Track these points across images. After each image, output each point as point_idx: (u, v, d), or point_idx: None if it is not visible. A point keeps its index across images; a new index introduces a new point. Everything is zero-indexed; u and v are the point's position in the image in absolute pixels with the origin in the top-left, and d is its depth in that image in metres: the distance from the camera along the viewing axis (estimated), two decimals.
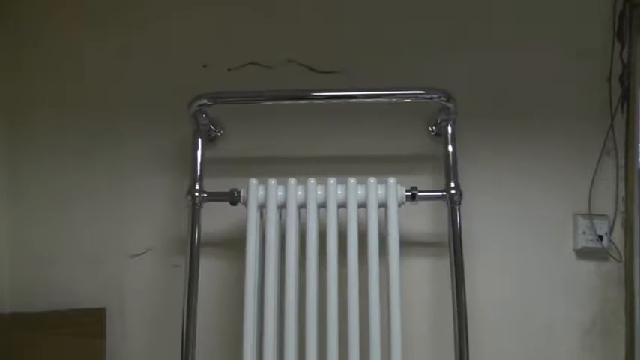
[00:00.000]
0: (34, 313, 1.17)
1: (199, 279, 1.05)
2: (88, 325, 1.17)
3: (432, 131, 1.17)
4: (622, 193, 1.15)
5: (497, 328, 1.16)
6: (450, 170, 1.05)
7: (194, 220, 1.05)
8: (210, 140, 1.19)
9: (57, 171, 1.22)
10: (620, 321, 1.15)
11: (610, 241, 1.14)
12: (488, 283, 1.16)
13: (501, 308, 1.16)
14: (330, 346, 0.96)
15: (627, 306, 1.14)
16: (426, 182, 1.15)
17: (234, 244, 1.15)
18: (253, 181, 1.03)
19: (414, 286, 1.15)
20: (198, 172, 1.07)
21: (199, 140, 1.10)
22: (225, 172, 1.17)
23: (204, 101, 1.06)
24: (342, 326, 0.97)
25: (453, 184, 1.04)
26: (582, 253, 1.15)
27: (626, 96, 1.16)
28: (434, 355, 1.15)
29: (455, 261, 1.02)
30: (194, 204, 1.05)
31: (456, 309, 1.00)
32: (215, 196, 1.07)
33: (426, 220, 1.17)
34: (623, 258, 1.14)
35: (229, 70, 1.21)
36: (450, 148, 1.07)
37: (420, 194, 1.04)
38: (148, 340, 1.20)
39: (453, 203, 1.04)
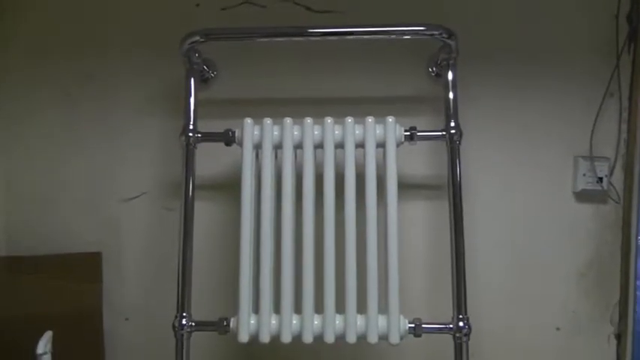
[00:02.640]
0: (29, 257, 1.16)
1: (194, 222, 1.05)
2: (84, 270, 1.17)
3: (432, 72, 1.14)
4: (624, 135, 1.14)
5: (493, 270, 1.16)
6: (450, 109, 1.03)
7: (188, 161, 1.03)
8: (203, 81, 1.16)
9: (46, 115, 1.20)
10: (616, 264, 1.16)
11: (610, 183, 1.13)
12: (485, 225, 1.15)
13: (498, 250, 1.16)
14: (327, 288, 0.96)
15: (623, 249, 1.14)
16: (425, 124, 1.12)
17: (229, 187, 1.14)
18: (248, 121, 1.01)
19: (411, 229, 1.14)
20: (192, 112, 1.05)
21: (192, 80, 1.07)
22: (219, 114, 1.15)
23: (197, 38, 1.03)
24: (339, 268, 0.97)
25: (453, 124, 1.02)
26: (581, 196, 1.15)
27: (634, 35, 1.13)
28: (431, 298, 1.15)
29: (453, 202, 1.00)
30: (188, 144, 1.03)
31: (453, 251, 1.00)
32: (209, 137, 1.05)
33: (424, 162, 1.16)
34: (621, 200, 1.14)
35: (223, 9, 1.17)
36: (451, 86, 1.04)
37: (419, 134, 1.02)
38: (144, 284, 1.21)
39: (453, 143, 1.02)
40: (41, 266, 1.16)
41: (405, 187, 1.11)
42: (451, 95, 1.04)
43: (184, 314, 0.99)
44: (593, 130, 1.13)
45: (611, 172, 1.13)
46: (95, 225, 1.20)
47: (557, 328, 1.17)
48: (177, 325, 0.99)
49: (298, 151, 1.02)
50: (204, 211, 1.15)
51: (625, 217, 1.14)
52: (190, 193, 1.03)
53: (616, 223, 1.15)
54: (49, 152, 1.20)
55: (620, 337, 1.17)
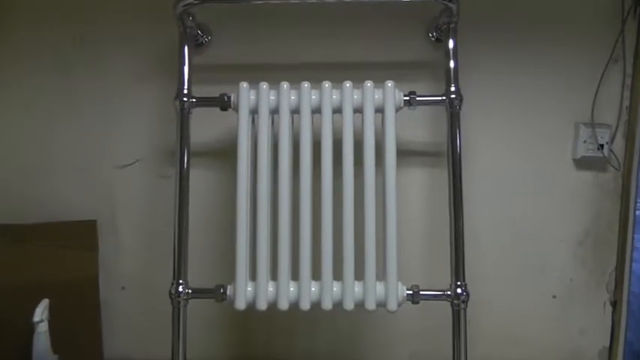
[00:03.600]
0: (24, 225, 1.15)
1: (190, 189, 1.03)
2: (79, 238, 1.16)
3: (432, 37, 1.12)
4: (627, 102, 1.12)
5: (491, 238, 1.16)
6: (450, 74, 1.00)
7: (183, 126, 1.01)
8: (197, 46, 1.13)
9: (38, 81, 1.17)
10: (613, 232, 1.16)
11: (610, 150, 1.12)
12: (484, 192, 1.15)
13: (496, 218, 1.16)
14: (325, 255, 0.95)
15: (622, 217, 1.14)
16: (425, 91, 1.10)
17: (225, 154, 1.13)
18: (244, 85, 0.98)
19: (410, 196, 1.14)
20: (186, 76, 1.02)
21: (186, 44, 1.04)
22: (214, 79, 1.12)
23: (191, 1, 0.99)
24: (336, 235, 0.96)
25: (453, 88, 1.00)
26: (581, 163, 1.14)
27: None
28: (429, 265, 1.16)
29: (453, 168, 0.99)
30: (182, 109, 1.01)
31: (452, 218, 0.99)
32: (204, 101, 1.02)
33: (423, 129, 1.14)
34: (621, 168, 1.13)
35: None
36: (451, 51, 1.01)
37: (418, 99, 0.99)
38: (140, 251, 1.20)
39: (453, 108, 1.00)
40: (35, 234, 1.14)
41: (404, 153, 1.10)
42: (451, 60, 1.01)
43: (181, 281, 0.99)
44: (595, 97, 1.11)
45: (612, 139, 1.12)
46: (89, 193, 1.19)
47: (554, 296, 1.18)
48: (173, 292, 0.98)
49: (295, 116, 1.00)
50: (201, 178, 1.13)
51: (624, 184, 1.13)
52: (185, 159, 1.01)
53: (615, 191, 1.15)
54: (41, 119, 1.18)
55: (615, 304, 1.18)
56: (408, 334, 1.20)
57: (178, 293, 0.98)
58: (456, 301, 0.97)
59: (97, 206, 1.19)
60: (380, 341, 1.21)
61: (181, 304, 0.98)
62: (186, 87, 1.02)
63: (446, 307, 1.00)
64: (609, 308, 1.18)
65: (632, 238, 1.15)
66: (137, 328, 1.22)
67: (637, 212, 1.23)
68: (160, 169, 1.17)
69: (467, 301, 0.97)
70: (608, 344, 1.19)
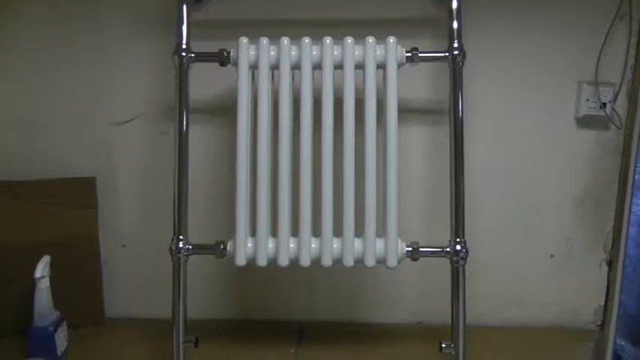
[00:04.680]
0: (22, 182, 1.14)
1: (190, 145, 1.02)
2: (78, 195, 1.16)
3: None
4: (631, 61, 1.10)
5: (490, 196, 1.16)
6: (453, 29, 0.98)
7: (182, 82, 1.00)
8: (196, 1, 1.10)
9: (34, 36, 1.14)
10: (613, 191, 1.16)
11: (613, 109, 1.11)
12: (485, 149, 1.14)
13: (496, 176, 1.16)
14: (325, 212, 0.95)
15: (622, 176, 1.14)
16: (427, 48, 1.08)
17: (225, 110, 1.11)
18: (244, 40, 0.96)
19: (411, 153, 1.13)
20: (185, 30, 1.00)
21: None
22: (213, 35, 1.09)
23: None
24: (337, 192, 0.96)
25: (456, 44, 0.98)
26: (583, 122, 1.13)
27: None
28: (429, 224, 1.16)
29: (454, 125, 0.98)
30: (181, 64, 0.99)
31: (453, 175, 0.98)
32: (203, 57, 1.00)
33: (425, 87, 1.13)
34: (623, 127, 1.12)
35: None
36: (455, 10, 0.99)
37: (420, 55, 0.98)
38: (140, 210, 1.20)
39: (456, 64, 0.98)
40: (34, 192, 1.14)
41: (406, 111, 1.09)
42: (455, 20, 0.99)
43: (181, 237, 0.99)
44: (599, 55, 1.10)
45: (616, 98, 1.11)
46: (87, 150, 1.18)
47: (552, 255, 1.19)
48: (174, 248, 0.98)
49: (295, 72, 0.98)
50: (200, 135, 1.13)
51: (626, 143, 1.13)
52: (185, 115, 1.00)
53: (616, 150, 1.14)
54: (37, 74, 1.16)
55: (611, 263, 1.19)
56: (406, 294, 1.22)
57: (179, 249, 0.98)
58: (455, 258, 0.97)
59: (96, 163, 1.18)
60: (379, 301, 1.22)
61: (182, 260, 0.98)
62: (184, 42, 1.00)
63: (445, 267, 1.01)
64: (605, 268, 1.19)
65: (631, 198, 1.15)
66: (138, 286, 1.23)
67: (637, 176, 1.23)
68: (159, 126, 1.16)
69: (466, 258, 0.97)
70: (603, 303, 1.21)
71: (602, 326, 1.22)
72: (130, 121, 1.17)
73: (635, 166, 1.16)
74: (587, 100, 1.10)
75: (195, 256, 1.01)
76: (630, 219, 1.21)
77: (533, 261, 1.19)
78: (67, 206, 1.15)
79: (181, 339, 0.99)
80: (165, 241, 1.00)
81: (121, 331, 1.19)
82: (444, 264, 1.01)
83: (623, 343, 1.94)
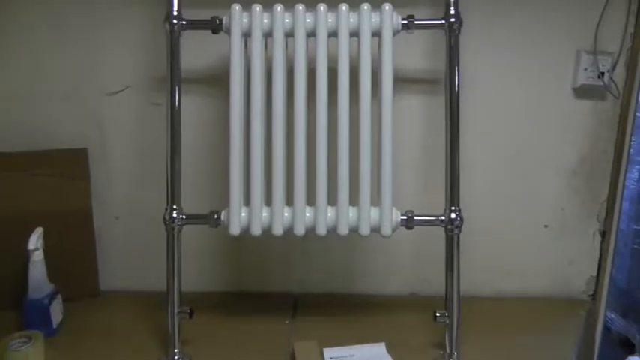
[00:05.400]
0: (13, 154, 1.13)
1: (183, 116, 1.01)
2: (70, 167, 1.15)
3: None
4: (631, 30, 1.09)
5: (486, 166, 1.16)
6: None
7: (173, 49, 0.98)
8: None
9: (26, 6, 1.11)
10: (608, 162, 1.16)
11: (611, 79, 1.10)
12: (481, 118, 1.13)
13: (492, 145, 1.15)
14: (319, 180, 0.95)
15: (617, 146, 1.13)
16: (423, 16, 1.06)
17: (217, 80, 1.10)
18: (236, 7, 0.94)
19: (406, 122, 1.12)
20: None
21: None
22: (204, 3, 1.06)
23: None
24: (331, 160, 0.95)
25: (453, 11, 0.96)
26: (581, 91, 1.12)
27: None
28: (424, 193, 1.16)
29: (450, 93, 0.97)
30: (172, 31, 0.97)
31: (448, 144, 0.98)
32: (195, 24, 0.98)
33: (421, 56, 1.11)
34: (620, 96, 1.11)
35: None
36: None
37: (417, 22, 0.96)
38: (133, 180, 1.19)
39: (452, 32, 0.96)
40: (24, 163, 1.13)
41: (401, 80, 1.08)
42: None
43: (175, 207, 0.98)
44: (598, 23, 1.08)
45: (614, 67, 1.09)
46: (78, 121, 1.16)
47: (545, 226, 1.19)
48: (167, 218, 0.98)
49: (289, 40, 0.96)
50: (193, 105, 1.11)
51: (622, 113, 1.12)
52: (176, 83, 0.98)
53: (613, 120, 1.13)
54: (27, 45, 1.13)
55: (604, 234, 1.19)
56: (400, 266, 1.22)
57: (172, 219, 0.98)
58: (450, 227, 0.97)
59: (87, 135, 1.16)
60: (373, 273, 1.23)
61: (175, 230, 0.98)
62: (175, 9, 0.98)
63: (439, 238, 1.01)
64: (598, 238, 1.20)
65: (626, 168, 1.15)
66: (132, 259, 1.23)
67: (631, 150, 1.23)
68: (151, 96, 1.14)
69: (461, 227, 0.97)
70: (595, 274, 1.22)
71: (594, 296, 1.23)
72: (121, 91, 1.15)
73: (631, 138, 1.16)
74: (585, 69, 1.09)
75: (189, 230, 1.00)
76: (624, 190, 1.21)
77: (526, 231, 1.19)
78: (59, 178, 1.13)
79: (176, 309, 0.99)
80: (159, 213, 0.99)
81: (116, 303, 1.19)
82: (438, 235, 1.01)
83: (612, 315, 1.97)
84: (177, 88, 0.99)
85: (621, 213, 1.22)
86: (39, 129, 1.16)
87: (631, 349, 1.85)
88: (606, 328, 1.66)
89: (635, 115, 1.15)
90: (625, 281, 1.91)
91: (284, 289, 1.23)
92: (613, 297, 1.78)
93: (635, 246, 1.86)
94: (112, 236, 1.21)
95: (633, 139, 1.20)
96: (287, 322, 1.12)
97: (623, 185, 1.18)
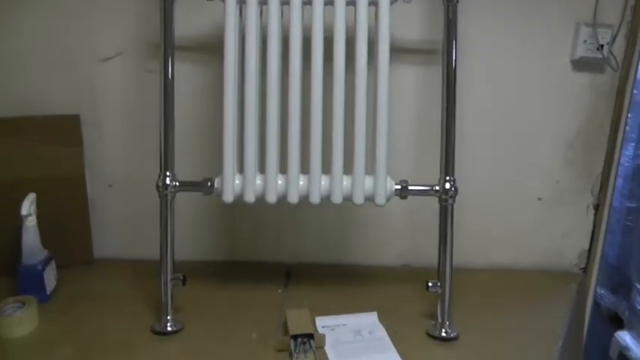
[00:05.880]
0: (4, 119, 1.11)
1: (176, 83, 0.99)
2: (62, 133, 1.14)
3: None
4: (632, 2, 1.07)
5: (481, 138, 1.15)
6: None
7: (166, 16, 0.96)
8: None
9: None
10: (604, 135, 1.15)
11: (610, 51, 1.08)
12: (477, 90, 1.13)
13: (488, 118, 1.15)
14: (314, 148, 0.94)
15: (614, 119, 1.13)
16: None
17: (211, 48, 1.08)
18: None
19: (402, 92, 1.11)
20: None
21: None
22: None
23: None
24: (326, 129, 0.94)
25: None
26: (579, 64, 1.11)
27: None
28: (418, 164, 1.15)
29: (447, 63, 0.96)
30: None
31: (444, 113, 0.97)
32: None
33: (418, 26, 1.10)
34: (619, 69, 1.10)
35: None
36: None
37: None
38: (126, 148, 1.18)
39: (450, 2, 0.95)
40: (16, 128, 1.11)
41: (397, 50, 1.06)
42: None
43: (168, 174, 0.97)
44: None
45: (614, 40, 1.08)
46: (70, 87, 1.14)
47: (539, 198, 1.19)
48: (160, 185, 0.97)
49: (285, 8, 0.94)
50: (187, 72, 1.10)
51: (620, 86, 1.11)
52: (170, 50, 0.97)
53: (611, 94, 1.13)
54: (18, 9, 1.10)
55: (598, 207, 1.19)
56: (393, 237, 1.23)
57: (166, 186, 0.97)
58: (444, 197, 0.97)
59: (79, 102, 1.15)
60: (366, 244, 1.23)
61: (169, 197, 0.97)
62: None
63: (432, 210, 1.01)
64: (592, 212, 1.20)
65: (622, 141, 1.15)
66: (126, 227, 1.23)
67: (627, 128, 1.22)
68: (144, 63, 1.12)
69: (455, 197, 0.97)
70: (587, 247, 1.22)
71: (585, 269, 1.24)
72: (113, 58, 1.13)
73: (628, 110, 1.15)
74: (585, 41, 1.08)
75: (183, 200, 1.00)
76: (619, 167, 1.21)
77: (521, 203, 1.19)
78: (51, 144, 1.12)
79: (169, 276, 0.99)
80: (153, 181, 0.98)
81: (109, 271, 1.19)
82: (431, 207, 1.01)
83: (602, 291, 2.00)
84: (170, 55, 0.97)
85: (615, 190, 1.22)
86: (30, 95, 1.14)
87: (620, 325, 1.88)
88: (596, 304, 1.68)
89: (632, 92, 1.15)
90: (616, 257, 1.93)
91: (277, 259, 1.24)
92: (604, 273, 1.80)
93: (628, 223, 1.88)
94: (105, 204, 1.21)
95: (630, 116, 1.20)
96: (280, 291, 1.13)
97: (619, 160, 1.18)
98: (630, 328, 1.80)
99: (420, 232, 1.20)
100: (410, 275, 1.17)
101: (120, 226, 1.23)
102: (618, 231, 1.90)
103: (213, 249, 1.24)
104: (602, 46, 1.07)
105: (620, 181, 1.80)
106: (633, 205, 1.85)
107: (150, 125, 1.09)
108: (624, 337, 1.80)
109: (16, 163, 1.11)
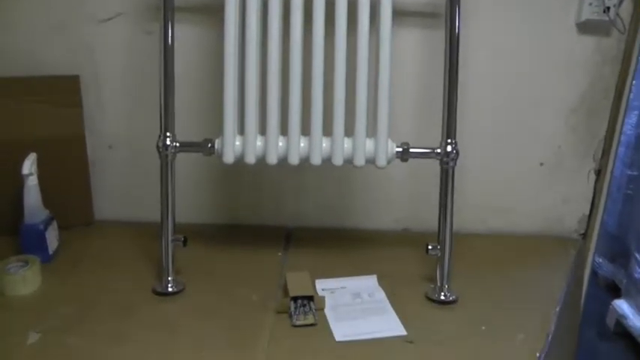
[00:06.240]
0: (3, 78, 1.10)
1: (176, 44, 0.98)
2: (61, 94, 1.13)
3: None
4: None
5: (483, 102, 1.14)
6: None
7: None
8: None
9: None
10: (608, 100, 1.14)
11: (617, 14, 1.06)
12: (480, 53, 1.11)
13: (490, 82, 1.13)
14: (315, 110, 0.94)
15: (619, 83, 1.11)
16: None
17: (211, 9, 1.06)
18: None
19: (404, 55, 1.10)
20: None
21: None
22: None
23: None
24: (327, 90, 0.94)
25: None
26: (584, 27, 1.09)
27: None
28: (420, 129, 1.14)
29: (450, 29, 0.94)
30: None
31: (447, 76, 0.96)
32: None
33: None
34: (626, 32, 1.08)
35: None
36: None
37: None
38: (126, 109, 1.17)
39: None
40: (16, 89, 1.10)
41: (400, 13, 1.04)
42: None
43: (168, 134, 0.97)
44: None
45: (621, 2, 1.06)
46: (69, 48, 1.13)
47: (541, 163, 1.19)
48: (161, 145, 0.97)
49: None
50: (187, 33, 1.08)
51: (627, 49, 1.09)
52: (169, 12, 0.95)
53: (616, 58, 1.11)
54: None
55: (599, 172, 1.19)
56: (393, 201, 1.23)
57: (166, 146, 0.96)
58: (445, 159, 0.96)
59: (78, 63, 1.13)
60: (366, 208, 1.24)
61: (169, 157, 0.97)
62: None
63: (433, 174, 1.00)
64: (593, 177, 1.20)
65: (627, 105, 1.14)
66: (127, 188, 1.23)
67: (631, 95, 1.21)
68: (144, 25, 1.10)
69: (456, 160, 0.97)
70: (588, 212, 1.23)
71: (585, 235, 1.24)
72: (112, 18, 1.11)
73: (633, 77, 1.14)
74: (590, 4, 1.05)
75: (184, 162, 1.00)
76: (621, 135, 1.20)
77: (522, 168, 1.19)
78: (51, 104, 1.11)
79: (170, 237, 0.99)
80: (153, 142, 0.98)
81: (110, 233, 1.20)
82: (432, 171, 1.01)
83: (600, 260, 2.01)
84: (170, 16, 0.96)
85: (616, 158, 1.21)
86: (29, 56, 1.13)
87: (617, 293, 1.90)
88: (593, 272, 1.69)
89: (638, 57, 1.13)
90: (615, 226, 1.93)
91: (278, 223, 1.24)
92: (603, 241, 1.81)
93: (628, 191, 1.88)
94: (105, 166, 1.21)
95: (634, 83, 1.18)
96: (280, 254, 1.13)
97: (622, 127, 1.17)
98: (627, 297, 1.82)
99: (421, 197, 1.20)
100: (410, 239, 1.17)
101: (120, 187, 1.23)
102: (619, 199, 1.90)
103: (214, 212, 1.25)
104: (608, 8, 1.05)
105: (621, 150, 1.79)
106: (635, 173, 1.85)
107: (150, 86, 1.08)
108: (621, 305, 1.82)
109: (15, 122, 1.10)
